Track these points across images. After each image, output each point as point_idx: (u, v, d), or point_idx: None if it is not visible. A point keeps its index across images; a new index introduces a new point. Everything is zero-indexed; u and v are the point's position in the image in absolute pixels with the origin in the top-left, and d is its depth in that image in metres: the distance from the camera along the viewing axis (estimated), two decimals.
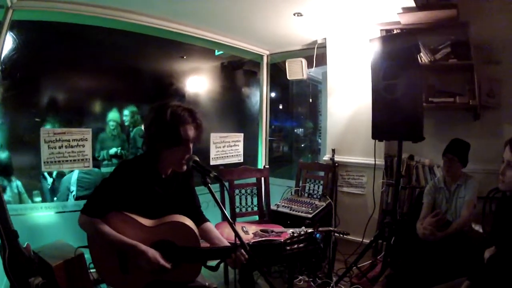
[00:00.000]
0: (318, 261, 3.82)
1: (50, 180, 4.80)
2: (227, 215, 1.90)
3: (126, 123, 5.48)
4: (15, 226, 2.71)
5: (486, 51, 3.66)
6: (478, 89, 3.61)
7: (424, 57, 3.77)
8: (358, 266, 3.54)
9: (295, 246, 2.08)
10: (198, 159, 2.03)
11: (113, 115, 5.26)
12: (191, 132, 2.02)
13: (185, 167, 2.04)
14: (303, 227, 2.18)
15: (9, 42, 3.55)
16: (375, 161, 3.84)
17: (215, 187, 1.93)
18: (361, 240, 4.01)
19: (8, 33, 3.35)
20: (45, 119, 4.73)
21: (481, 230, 3.25)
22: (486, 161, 3.49)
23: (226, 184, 3.84)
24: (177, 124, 1.97)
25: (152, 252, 1.95)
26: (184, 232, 2.05)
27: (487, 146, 3.52)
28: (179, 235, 2.04)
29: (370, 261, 3.76)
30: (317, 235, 3.44)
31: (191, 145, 2.04)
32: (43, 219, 3.76)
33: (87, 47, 5.00)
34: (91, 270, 2.86)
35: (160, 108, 2.00)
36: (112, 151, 5.12)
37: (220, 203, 1.94)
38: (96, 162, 4.71)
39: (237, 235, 1.85)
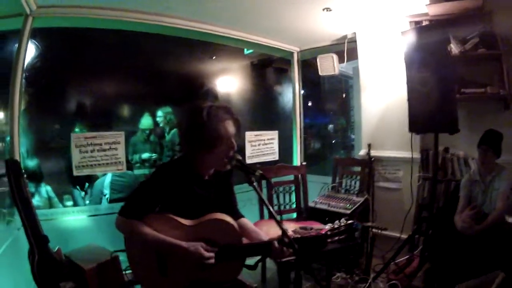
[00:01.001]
0: (356, 257, 3.84)
1: (82, 193, 4.87)
2: (273, 212, 1.89)
3: (161, 125, 5.49)
4: (46, 231, 2.73)
5: (510, 41, 3.57)
6: (507, 78, 3.54)
7: (453, 48, 3.70)
8: (395, 261, 3.53)
9: (336, 238, 2.09)
10: (240, 158, 2.01)
11: (146, 122, 5.28)
12: (231, 128, 1.98)
13: (228, 166, 2.00)
14: (343, 219, 2.20)
15: (32, 49, 3.55)
16: (412, 154, 3.82)
17: (246, 186, 1.95)
18: (398, 235, 3.95)
19: (30, 40, 3.32)
20: (73, 124, 4.80)
21: None
22: None
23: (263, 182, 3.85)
24: (216, 123, 1.92)
25: (194, 245, 1.88)
26: (225, 229, 2.00)
27: None
28: (220, 233, 1.98)
29: (407, 256, 3.72)
30: (357, 225, 3.43)
31: (234, 140, 1.99)
32: (76, 223, 3.75)
33: (113, 51, 5.04)
34: (126, 272, 2.91)
35: (194, 111, 1.94)
36: (145, 156, 5.16)
37: (266, 201, 1.93)
38: (129, 165, 4.68)
39: (284, 233, 1.87)
